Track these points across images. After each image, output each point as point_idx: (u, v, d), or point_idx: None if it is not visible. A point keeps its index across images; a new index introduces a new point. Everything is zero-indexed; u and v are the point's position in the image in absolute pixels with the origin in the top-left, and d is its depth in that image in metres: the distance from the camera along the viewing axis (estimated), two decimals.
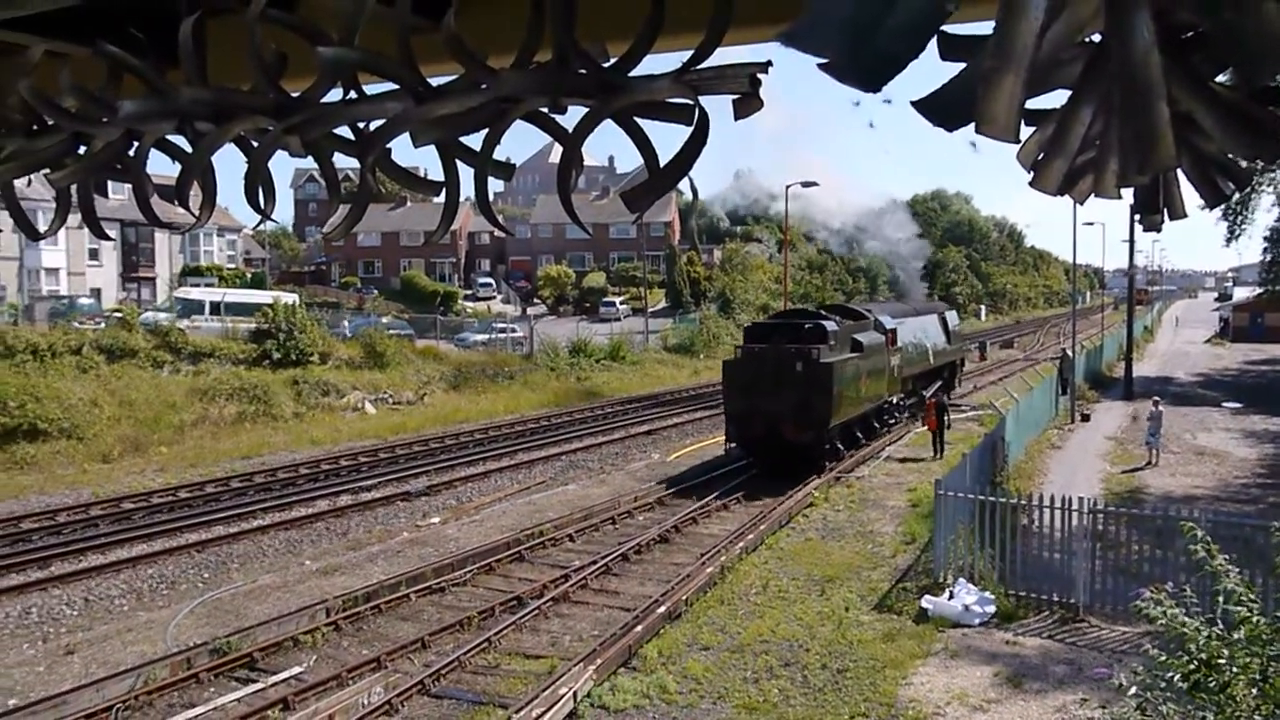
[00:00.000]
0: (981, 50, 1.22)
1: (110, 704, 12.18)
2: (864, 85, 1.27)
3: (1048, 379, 37.16)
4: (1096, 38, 1.29)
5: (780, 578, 17.02)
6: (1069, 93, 1.34)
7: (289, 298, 48.30)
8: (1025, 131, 1.36)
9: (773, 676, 12.79)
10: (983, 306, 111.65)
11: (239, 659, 13.45)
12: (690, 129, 1.78)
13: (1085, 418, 35.12)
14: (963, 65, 1.35)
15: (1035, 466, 26.40)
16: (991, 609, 14.65)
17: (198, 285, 54.20)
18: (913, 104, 1.35)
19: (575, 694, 11.74)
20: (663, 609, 14.66)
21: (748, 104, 1.68)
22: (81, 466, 27.92)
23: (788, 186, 49.74)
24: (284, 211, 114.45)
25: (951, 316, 41.72)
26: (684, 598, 15.31)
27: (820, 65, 1.25)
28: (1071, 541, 15.25)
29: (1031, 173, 1.41)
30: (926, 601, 15.00)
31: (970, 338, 73.34)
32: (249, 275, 65.40)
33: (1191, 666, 5.79)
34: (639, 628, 13.82)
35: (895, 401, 31.37)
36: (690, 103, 1.76)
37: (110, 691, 12.54)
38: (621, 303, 75.23)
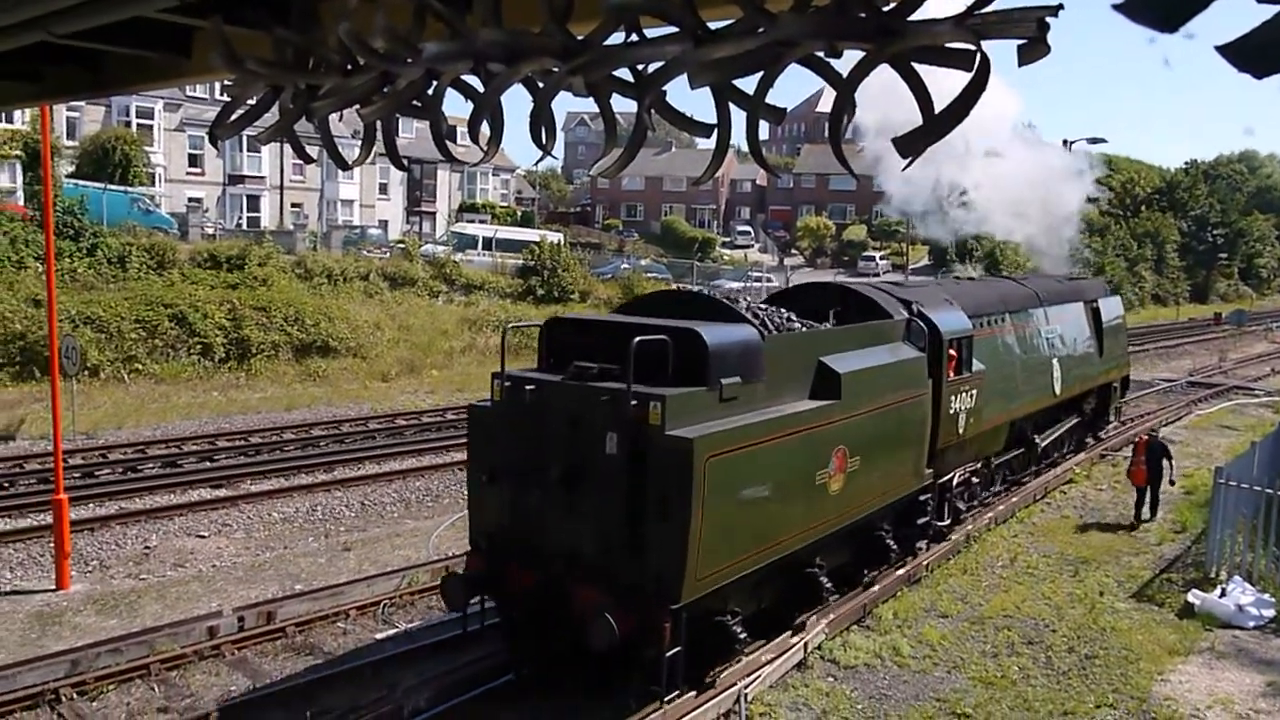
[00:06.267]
0: None
1: (378, 599, 13.44)
2: (1161, 25, 1.18)
3: None
4: None
5: (1030, 553, 16.27)
6: None
7: (554, 237, 50.45)
8: None
9: (1014, 653, 12.32)
10: None
11: None
12: (970, 75, 1.72)
13: None
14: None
15: None
16: (1271, 613, 13.38)
17: (472, 221, 57.56)
18: (1218, 49, 1.24)
19: (806, 645, 11.79)
20: (902, 571, 14.39)
21: (1034, 49, 1.60)
22: (364, 383, 30.61)
23: (1069, 142, 46.00)
24: (555, 153, 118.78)
25: (1110, 305, 25.05)
26: (924, 563, 14.96)
27: (1115, 6, 1.18)
28: None
29: None
30: (1194, 596, 13.90)
31: (1269, 317, 66.19)
32: (519, 213, 68.67)
33: None
34: (875, 588, 13.65)
35: (954, 482, 15.84)
36: (971, 48, 1.70)
37: (378, 588, 13.83)
38: (882, 257, 73.18)
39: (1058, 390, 20.02)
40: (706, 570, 9.58)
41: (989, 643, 12.64)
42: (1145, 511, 18.04)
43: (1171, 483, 18.19)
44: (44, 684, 10.60)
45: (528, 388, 10.23)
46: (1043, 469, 20.70)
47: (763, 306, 12.81)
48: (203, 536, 16.40)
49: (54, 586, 13.79)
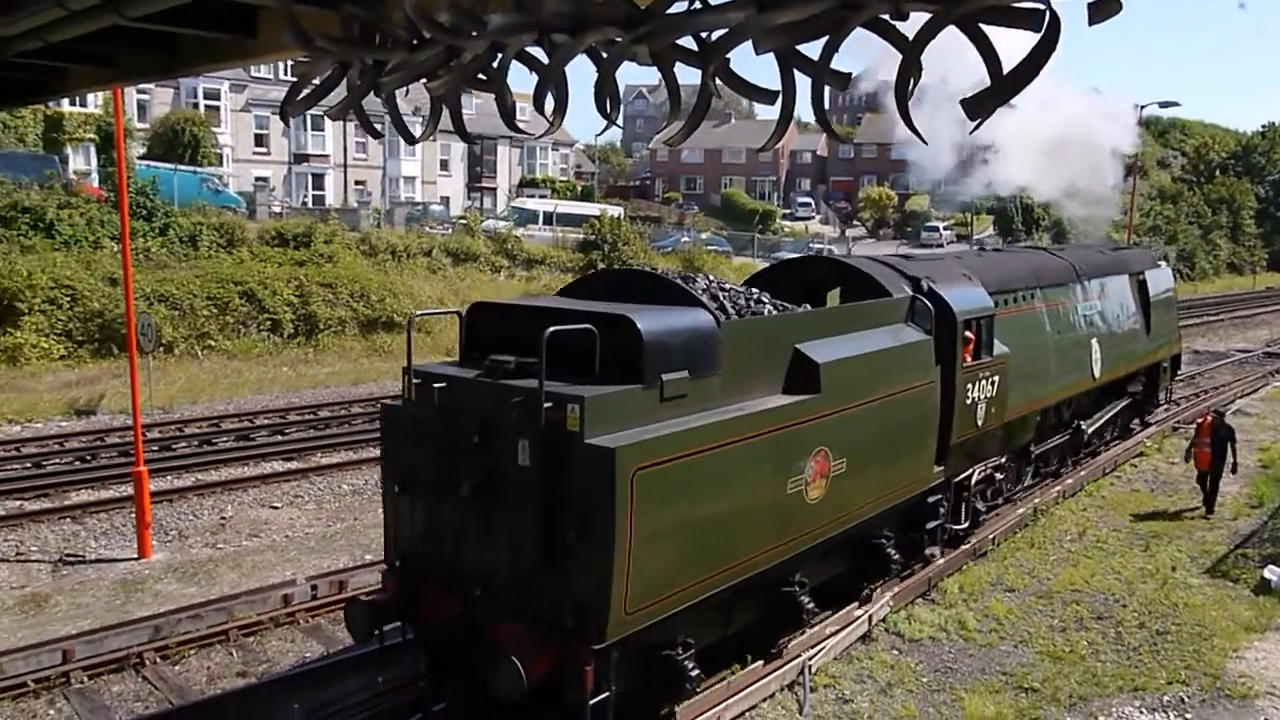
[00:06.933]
0: None
1: None
2: None
3: None
4: None
5: (1099, 527, 16.00)
6: None
7: (614, 211, 50.45)
8: None
9: (1082, 628, 12.15)
10: None
11: None
12: (1039, 35, 1.69)
13: None
14: None
15: None
16: None
17: (533, 196, 57.74)
18: None
19: (871, 617, 11.77)
20: (968, 545, 14.25)
21: (1105, 7, 1.57)
22: (428, 358, 30.99)
23: (1140, 106, 44.39)
24: (610, 129, 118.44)
25: (1158, 278, 22.63)
26: (990, 536, 14.79)
27: None
28: None
29: None
30: (1270, 572, 13.55)
31: None
32: (579, 188, 68.72)
33: None
34: (941, 561, 13.54)
35: (973, 480, 14.08)
36: (1041, 7, 1.67)
37: None
38: (946, 228, 71.97)
39: (1097, 373, 18.25)
40: (642, 600, 8.14)
41: (1056, 617, 12.48)
42: (1194, 498, 17.04)
43: (1234, 470, 16.74)
44: (129, 648, 11.01)
45: (436, 385, 8.80)
46: (1081, 459, 19.07)
47: (729, 287, 11.02)
48: (275, 508, 16.83)
49: (136, 555, 14.27)
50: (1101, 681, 10.78)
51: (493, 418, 8.29)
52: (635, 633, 8.21)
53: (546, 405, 7.85)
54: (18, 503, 16.30)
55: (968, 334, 13.05)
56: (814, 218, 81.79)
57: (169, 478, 17.85)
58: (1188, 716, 10.14)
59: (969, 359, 13.09)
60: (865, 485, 10.99)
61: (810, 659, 10.62)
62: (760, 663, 10.30)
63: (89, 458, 18.85)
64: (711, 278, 11.51)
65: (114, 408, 22.74)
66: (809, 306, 11.69)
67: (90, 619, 12.04)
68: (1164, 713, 10.19)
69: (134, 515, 14.55)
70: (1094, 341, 18.17)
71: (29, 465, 18.34)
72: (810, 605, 10.36)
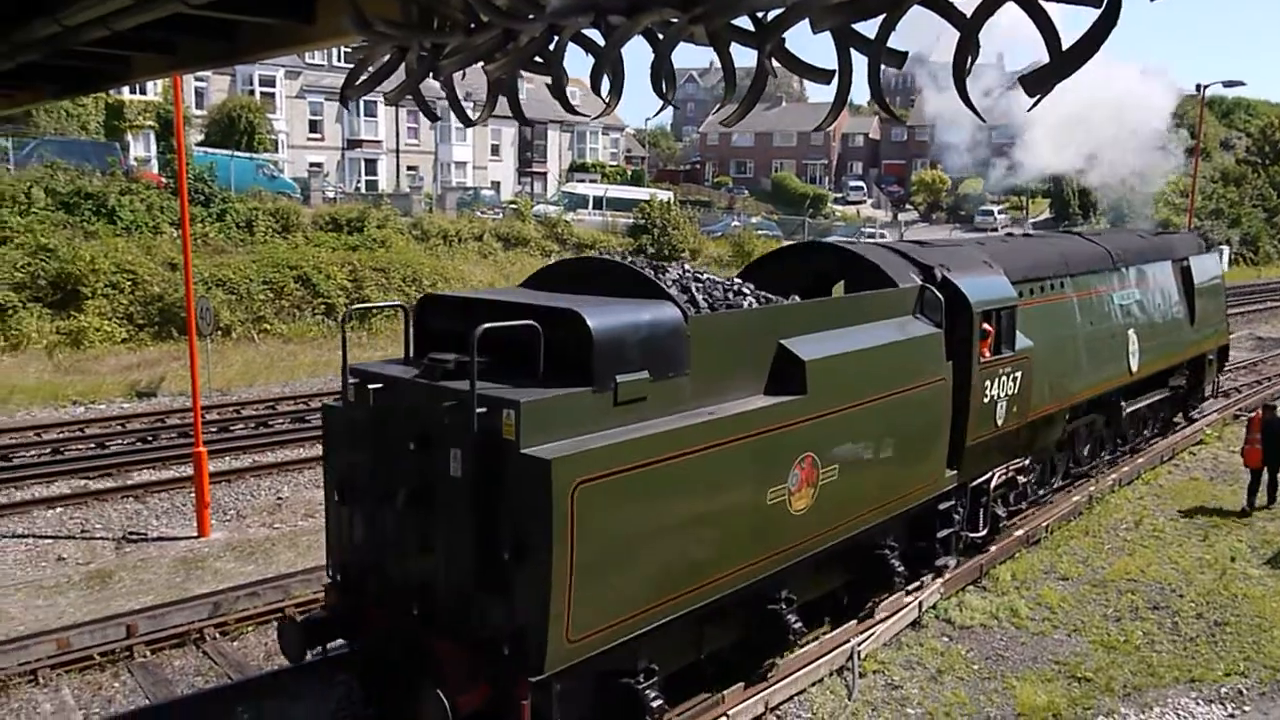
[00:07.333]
0: None
1: None
2: None
3: None
4: None
5: (1156, 516, 15.74)
6: None
7: (664, 195, 50.39)
8: None
9: (1138, 618, 11.98)
10: None
11: None
12: (1099, 11, 1.67)
13: None
14: None
15: None
16: None
17: (583, 181, 57.87)
18: None
19: (921, 604, 11.70)
20: (1020, 532, 14.10)
21: None
22: None
23: (1203, 86, 43.10)
24: (664, 111, 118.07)
25: (1204, 263, 21.39)
26: (1044, 523, 14.62)
27: None
28: None
29: None
30: None
31: None
32: (629, 172, 68.73)
33: None
34: (993, 548, 13.41)
35: (991, 484, 13.05)
36: None
37: None
38: (1000, 211, 70.92)
39: (1134, 367, 17.10)
40: (589, 627, 7.34)
41: (1111, 606, 12.31)
42: (1261, 496, 15.98)
43: None
44: (190, 624, 11.29)
45: (372, 387, 8.16)
46: (1118, 456, 18.00)
47: (707, 277, 10.01)
48: None
49: (196, 534, 14.61)
50: (1157, 672, 10.63)
51: (428, 423, 7.58)
52: (583, 661, 7.44)
53: (480, 411, 7.11)
54: (83, 482, 16.76)
55: (986, 326, 12.11)
56: (866, 201, 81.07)
57: (227, 459, 18.22)
58: (1246, 709, 9.97)
59: (987, 353, 12.18)
60: (862, 493, 10.15)
61: (859, 645, 10.59)
62: (815, 642, 10.29)
63: (150, 439, 19.30)
64: (687, 266, 10.44)
65: (173, 390, 23.25)
66: (797, 299, 10.70)
67: (152, 595, 12.36)
68: (1221, 704, 10.02)
69: (194, 495, 14.90)
70: (1131, 333, 17.08)
71: (94, 445, 18.82)
72: (797, 624, 9.39)
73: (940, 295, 11.32)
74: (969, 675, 10.54)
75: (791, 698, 9.84)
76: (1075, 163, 25.32)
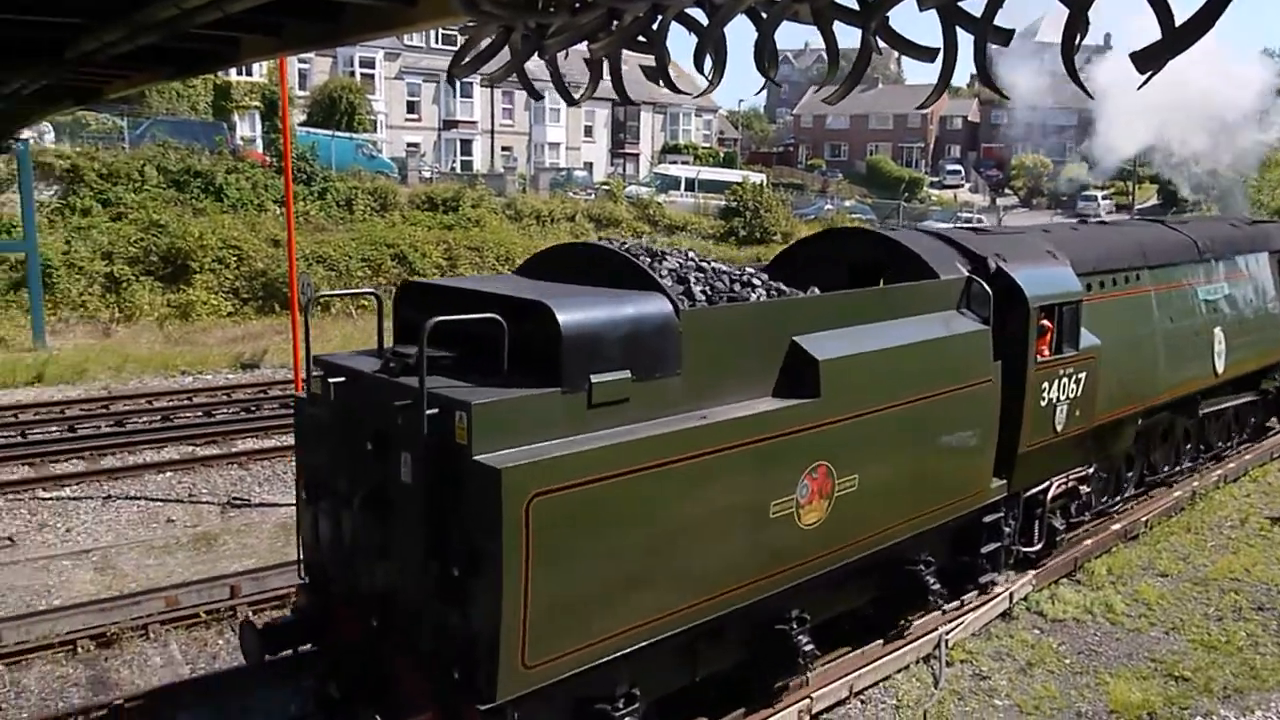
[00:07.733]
0: None
1: None
2: None
3: None
4: None
5: (1262, 514, 15.16)
6: None
7: (757, 177, 50.10)
8: None
9: (1240, 618, 11.58)
10: None
11: None
12: None
13: None
14: None
15: None
16: None
17: (675, 162, 57.80)
18: None
19: (1012, 595, 11.51)
20: (1117, 525, 13.74)
21: None
22: None
23: (1276, 55, 40.58)
24: (758, 92, 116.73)
25: None
26: (1143, 518, 14.21)
27: None
28: None
29: None
30: None
31: None
32: (721, 154, 68.40)
33: None
34: (1089, 541, 13.10)
35: (1049, 495, 11.98)
36: None
37: None
38: (1104, 197, 68.60)
39: (1220, 367, 15.70)
40: (550, 651, 6.64)
41: (1212, 605, 11.93)
42: None
43: None
44: (288, 587, 11.71)
45: (333, 381, 7.55)
46: (1200, 465, 16.54)
47: (711, 266, 9.04)
48: None
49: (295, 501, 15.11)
50: (1259, 675, 10.27)
51: (386, 422, 6.89)
52: (546, 687, 6.74)
53: (431, 412, 6.43)
54: (191, 448, 17.48)
55: (1044, 322, 11.02)
56: (963, 185, 79.29)
57: None
58: None
59: (1046, 352, 11.10)
60: (888, 505, 9.20)
61: (947, 633, 10.47)
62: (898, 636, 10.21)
63: (253, 409, 20.01)
64: (691, 254, 9.32)
65: (275, 362, 24.04)
66: (816, 290, 9.53)
67: (254, 559, 12.85)
68: None
69: (293, 464, 15.38)
70: (1218, 330, 15.65)
71: (200, 414, 19.61)
72: (809, 645, 8.59)
73: (988, 288, 10.25)
74: (1060, 669, 10.34)
75: (877, 683, 9.78)
76: (1198, 146, 23.89)
